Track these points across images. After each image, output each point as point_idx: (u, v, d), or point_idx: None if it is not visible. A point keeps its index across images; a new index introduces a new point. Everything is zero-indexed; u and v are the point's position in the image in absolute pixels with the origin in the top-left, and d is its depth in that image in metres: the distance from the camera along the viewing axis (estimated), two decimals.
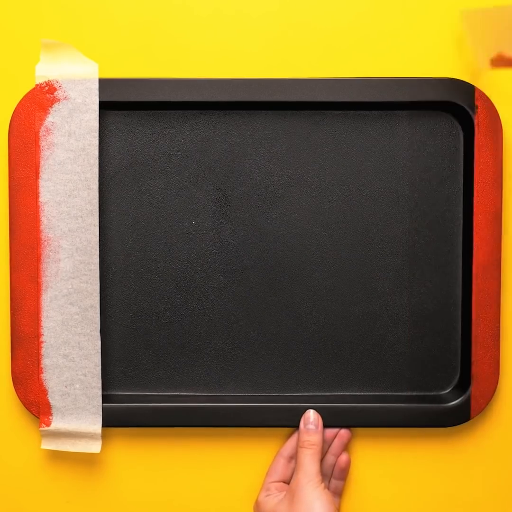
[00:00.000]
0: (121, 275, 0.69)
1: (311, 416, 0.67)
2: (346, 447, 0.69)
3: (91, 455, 0.70)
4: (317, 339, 0.69)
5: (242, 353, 0.69)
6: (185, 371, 0.69)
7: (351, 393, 0.69)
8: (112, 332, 0.69)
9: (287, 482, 0.68)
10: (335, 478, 0.69)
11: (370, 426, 0.68)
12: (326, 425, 0.68)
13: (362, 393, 0.69)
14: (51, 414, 0.67)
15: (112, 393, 0.69)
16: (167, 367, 0.69)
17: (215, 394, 0.69)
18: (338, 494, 0.69)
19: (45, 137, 0.66)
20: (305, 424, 0.67)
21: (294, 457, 0.68)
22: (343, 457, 0.68)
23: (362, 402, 0.68)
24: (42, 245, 0.67)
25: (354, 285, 0.69)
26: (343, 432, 0.68)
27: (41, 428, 0.67)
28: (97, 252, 0.67)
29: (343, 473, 0.68)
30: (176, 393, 0.69)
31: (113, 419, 0.68)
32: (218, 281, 0.69)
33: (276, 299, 0.69)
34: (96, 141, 0.66)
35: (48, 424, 0.67)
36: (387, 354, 0.69)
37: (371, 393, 0.69)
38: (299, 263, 0.69)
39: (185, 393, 0.69)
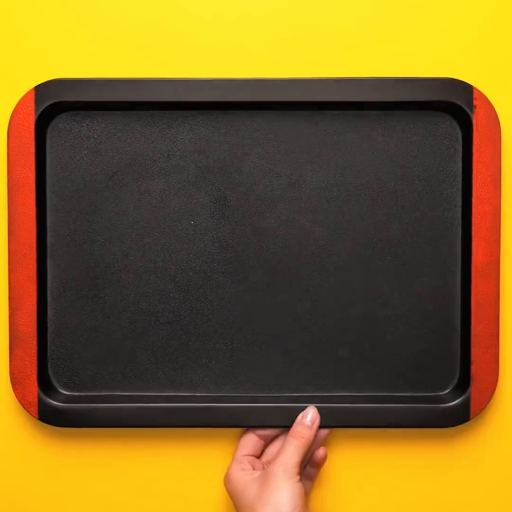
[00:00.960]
0: (119, 275, 0.69)
1: (310, 414, 0.67)
2: (324, 442, 0.68)
3: (95, 457, 0.70)
4: (316, 339, 0.69)
5: (241, 354, 0.69)
6: (184, 371, 0.69)
7: (350, 394, 0.69)
8: (111, 333, 0.69)
9: (258, 457, 0.67)
10: (310, 466, 0.68)
11: (369, 427, 0.68)
12: (323, 425, 0.67)
13: (361, 394, 0.69)
14: None
15: (111, 393, 0.69)
16: (165, 368, 0.69)
17: (214, 394, 0.69)
18: (310, 478, 0.68)
19: None
20: (302, 417, 0.67)
21: (267, 438, 0.68)
22: (321, 451, 0.67)
23: (361, 402, 0.68)
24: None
25: (353, 285, 0.69)
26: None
27: None
28: None
29: (320, 465, 0.68)
30: (174, 394, 0.69)
31: (112, 420, 0.68)
32: (217, 281, 0.69)
33: (275, 299, 0.69)
34: None
35: None
36: (386, 355, 0.69)
37: (370, 394, 0.69)
38: (298, 263, 0.69)
39: (183, 394, 0.69)
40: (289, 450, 0.65)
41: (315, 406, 0.67)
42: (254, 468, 0.67)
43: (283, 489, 0.63)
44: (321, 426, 0.67)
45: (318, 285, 0.69)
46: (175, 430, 0.69)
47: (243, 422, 0.68)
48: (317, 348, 0.69)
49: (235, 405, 0.68)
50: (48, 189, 0.69)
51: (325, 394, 0.69)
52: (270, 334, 0.69)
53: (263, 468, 0.67)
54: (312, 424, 0.67)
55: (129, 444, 0.70)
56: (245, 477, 0.65)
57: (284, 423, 0.68)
